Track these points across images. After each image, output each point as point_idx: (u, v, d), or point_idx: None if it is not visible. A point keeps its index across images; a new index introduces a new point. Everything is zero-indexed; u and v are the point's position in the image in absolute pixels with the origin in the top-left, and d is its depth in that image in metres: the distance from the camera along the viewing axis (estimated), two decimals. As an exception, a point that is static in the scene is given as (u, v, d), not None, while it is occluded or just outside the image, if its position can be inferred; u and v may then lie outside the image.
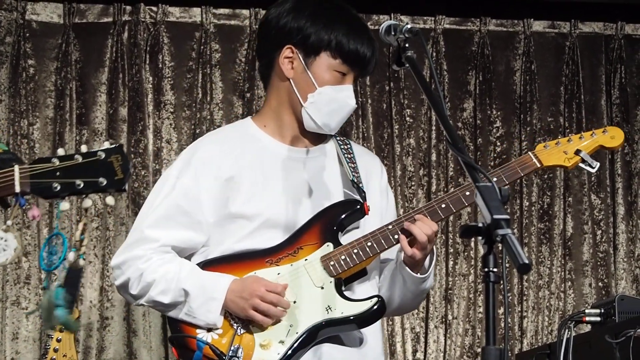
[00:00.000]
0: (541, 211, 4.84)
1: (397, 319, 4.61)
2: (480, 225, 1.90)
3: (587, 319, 2.85)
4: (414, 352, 4.65)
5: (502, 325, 4.59)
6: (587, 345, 2.80)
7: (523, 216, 4.81)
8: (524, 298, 4.73)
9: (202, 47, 4.72)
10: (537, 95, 4.94)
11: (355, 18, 2.92)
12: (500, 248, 1.88)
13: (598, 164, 2.85)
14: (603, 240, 4.82)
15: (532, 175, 4.81)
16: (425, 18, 4.94)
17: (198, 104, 4.68)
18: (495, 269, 1.90)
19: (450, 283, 4.70)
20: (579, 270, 4.78)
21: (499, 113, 4.93)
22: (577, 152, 2.82)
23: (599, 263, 4.79)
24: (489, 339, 1.86)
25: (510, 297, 4.71)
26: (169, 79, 4.71)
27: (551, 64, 5.01)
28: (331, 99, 2.79)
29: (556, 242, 4.80)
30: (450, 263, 4.71)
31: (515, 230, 4.78)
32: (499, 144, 4.87)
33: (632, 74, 5.02)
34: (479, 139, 4.87)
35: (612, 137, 2.88)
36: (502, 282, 1.90)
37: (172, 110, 4.69)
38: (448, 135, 2.15)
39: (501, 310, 4.49)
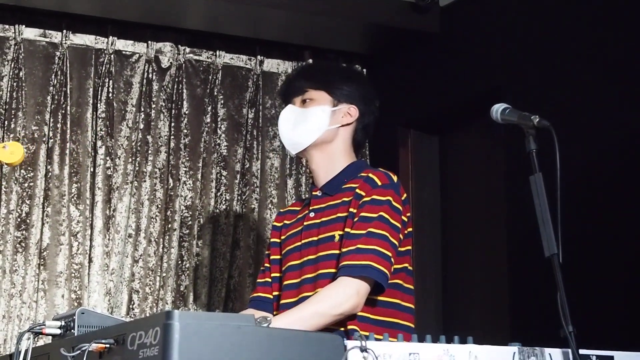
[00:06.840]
0: (19, 219, 4.78)
1: None
2: None
3: (47, 331, 2.83)
4: None
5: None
6: (47, 357, 2.80)
7: (0, 224, 4.73)
8: (-6, 307, 4.66)
9: None
10: (24, 102, 4.88)
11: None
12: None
13: None
14: (79, 252, 4.85)
15: (12, 184, 4.75)
16: None
17: None
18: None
19: None
20: (52, 280, 4.77)
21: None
22: None
23: (73, 274, 4.82)
24: None
25: (-24, 305, 4.61)
26: None
27: (40, 72, 4.98)
28: None
29: (32, 251, 4.76)
30: None
31: (-9, 238, 4.70)
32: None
33: (120, 89, 5.12)
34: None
35: (12, 152, 2.95)
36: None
37: None
38: None
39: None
